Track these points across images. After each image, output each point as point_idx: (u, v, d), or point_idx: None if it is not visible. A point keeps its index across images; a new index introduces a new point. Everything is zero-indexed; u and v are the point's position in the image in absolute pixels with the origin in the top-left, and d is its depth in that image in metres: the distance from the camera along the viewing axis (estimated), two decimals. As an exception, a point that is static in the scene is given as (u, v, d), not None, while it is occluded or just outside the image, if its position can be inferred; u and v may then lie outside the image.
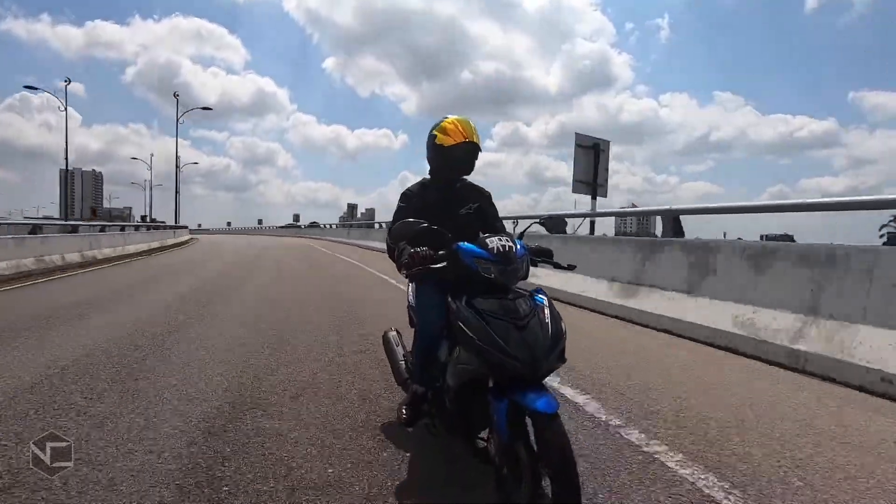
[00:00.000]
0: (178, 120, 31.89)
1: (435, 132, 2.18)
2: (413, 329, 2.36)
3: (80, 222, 16.71)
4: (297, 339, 4.26)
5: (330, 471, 2.01)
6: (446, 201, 2.22)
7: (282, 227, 60.79)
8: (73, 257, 11.20)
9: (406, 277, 2.15)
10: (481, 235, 1.85)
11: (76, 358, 3.51)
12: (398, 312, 3.78)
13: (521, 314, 1.60)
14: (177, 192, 33.07)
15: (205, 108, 35.27)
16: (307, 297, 6.99)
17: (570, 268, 2.07)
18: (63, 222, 15.36)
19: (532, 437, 1.51)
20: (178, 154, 32.46)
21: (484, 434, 1.82)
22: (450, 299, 1.76)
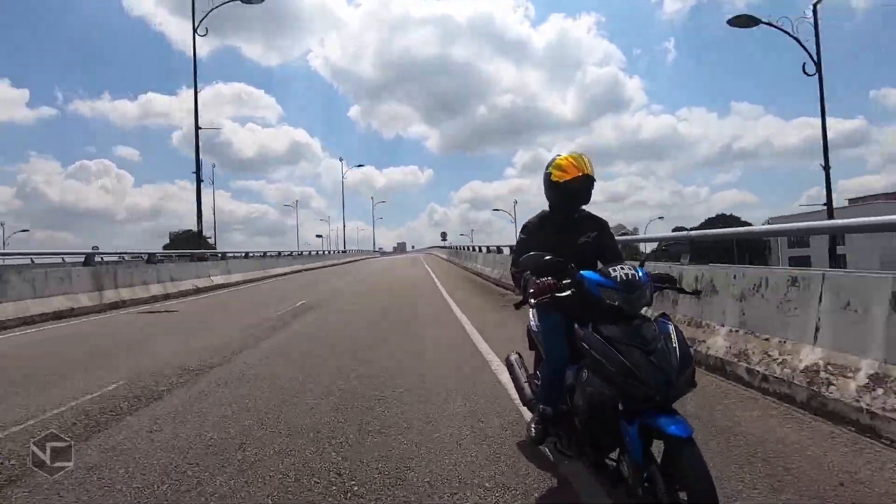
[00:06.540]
0: (343, 169, 50.18)
1: (550, 170, 2.24)
2: (533, 351, 2.51)
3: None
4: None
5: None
6: (565, 231, 2.28)
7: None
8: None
9: (531, 307, 2.16)
10: (603, 265, 1.91)
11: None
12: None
13: (648, 339, 1.63)
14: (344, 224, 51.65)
15: (359, 166, 62.03)
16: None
17: (696, 293, 2.01)
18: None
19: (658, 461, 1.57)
20: (343, 189, 50.07)
21: (613, 455, 1.82)
22: (577, 326, 1.82)
